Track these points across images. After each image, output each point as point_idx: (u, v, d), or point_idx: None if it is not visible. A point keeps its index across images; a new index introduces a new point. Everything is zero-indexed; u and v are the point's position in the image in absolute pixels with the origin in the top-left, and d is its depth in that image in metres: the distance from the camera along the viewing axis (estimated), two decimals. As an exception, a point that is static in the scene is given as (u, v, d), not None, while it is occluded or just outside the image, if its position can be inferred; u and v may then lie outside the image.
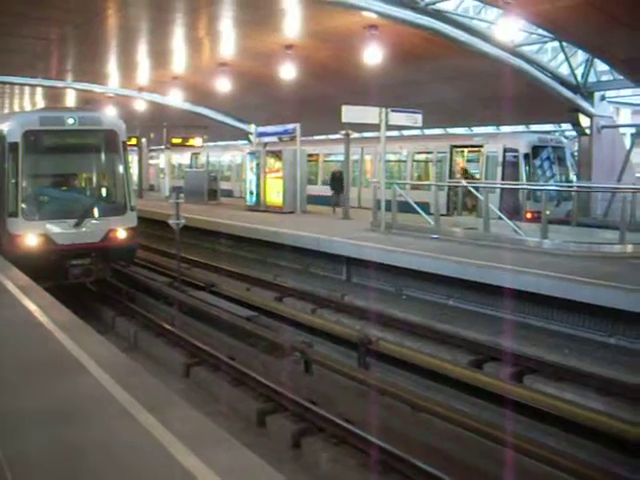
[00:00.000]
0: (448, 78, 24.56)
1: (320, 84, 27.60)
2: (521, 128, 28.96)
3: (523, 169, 23.67)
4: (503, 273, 13.37)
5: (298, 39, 23.54)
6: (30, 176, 15.51)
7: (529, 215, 21.13)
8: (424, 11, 19.41)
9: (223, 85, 27.87)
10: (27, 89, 36.92)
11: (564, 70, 23.19)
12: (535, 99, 22.63)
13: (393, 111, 20.00)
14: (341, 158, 27.80)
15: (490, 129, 29.60)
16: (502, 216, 17.96)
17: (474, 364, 11.39)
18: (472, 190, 21.06)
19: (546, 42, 22.95)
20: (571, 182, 24.65)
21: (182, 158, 44.75)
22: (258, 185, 27.15)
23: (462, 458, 7.92)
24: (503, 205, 21.14)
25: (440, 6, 19.76)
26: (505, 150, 24.17)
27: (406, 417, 9.32)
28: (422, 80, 25.01)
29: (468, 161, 26.37)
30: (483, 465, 7.76)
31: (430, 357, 11.45)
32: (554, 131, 30.14)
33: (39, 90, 37.08)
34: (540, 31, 21.00)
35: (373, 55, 21.13)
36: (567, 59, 22.87)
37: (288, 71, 24.57)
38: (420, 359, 11.38)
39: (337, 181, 25.59)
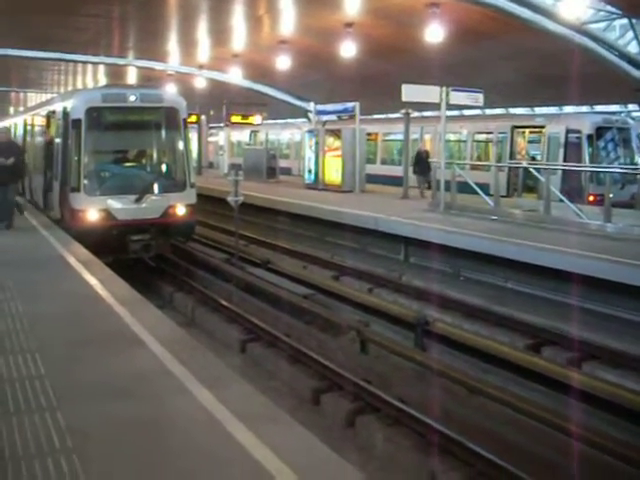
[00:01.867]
0: (509, 57, 24.10)
1: (380, 62, 27.36)
2: (585, 109, 28.36)
3: (586, 151, 23.16)
4: (563, 256, 13.11)
5: (358, 16, 23.31)
6: (92, 152, 15.74)
7: (592, 198, 20.71)
8: (487, -12, 19.06)
9: (283, 63, 27.80)
10: (89, 67, 37.35)
11: (633, 49, 22.52)
12: (600, 79, 22.04)
13: (454, 90, 19.73)
14: (400, 137, 27.61)
15: (552, 109, 29.04)
16: (563, 198, 17.61)
17: (532, 348, 11.25)
18: (533, 172, 20.70)
19: (614, 19, 22.28)
20: (636, 165, 24.05)
21: (241, 135, 44.93)
22: (317, 163, 27.09)
23: (517, 443, 7.83)
24: (565, 187, 20.73)
25: (503, -18, 19.35)
26: (568, 131, 23.67)
27: (462, 400, 9.25)
28: (483, 59, 24.61)
29: (529, 142, 25.93)
30: (539, 451, 7.66)
31: (487, 340, 11.35)
32: (620, 112, 29.44)
33: (101, 68, 37.51)
34: (608, 8, 20.44)
35: (434, 33, 20.82)
36: (636, 37, 22.16)
37: (348, 49, 24.38)
38: (477, 341, 11.28)
39: (422, 162, 23.75)
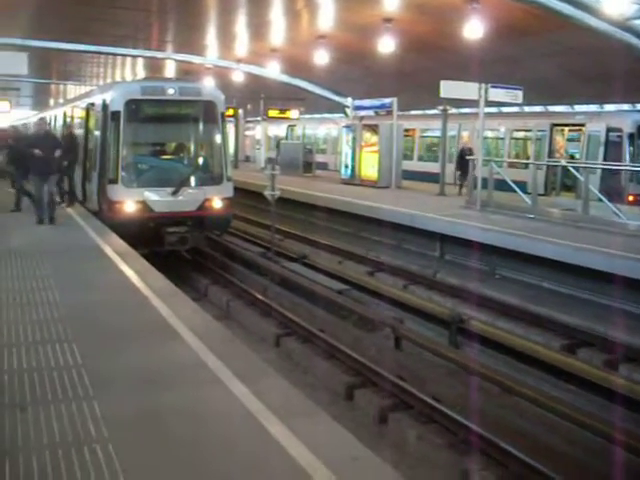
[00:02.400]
0: (550, 54, 23.84)
1: (418, 58, 27.25)
2: (626, 107, 27.94)
3: (627, 150, 22.82)
4: (602, 257, 12.96)
5: (397, 12, 23.23)
6: (130, 144, 15.86)
7: (631, 198, 20.42)
8: (528, -16, 18.88)
9: (321, 58, 27.78)
10: (128, 60, 37.66)
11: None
12: (644, 76, 21.74)
13: (493, 87, 19.59)
14: (438, 134, 27.46)
15: (593, 107, 28.66)
16: (602, 198, 17.39)
17: (567, 349, 11.14)
18: (572, 170, 20.46)
19: (660, 15, 21.92)
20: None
21: (278, 130, 45.00)
22: (353, 159, 27.05)
23: (551, 444, 7.77)
24: (604, 186, 20.46)
25: (545, -22, 19.15)
26: (608, 129, 23.34)
27: (495, 399, 9.19)
28: (523, 56, 24.38)
29: (568, 140, 25.65)
30: (573, 453, 7.60)
31: (522, 339, 11.26)
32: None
33: (140, 61, 37.80)
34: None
35: (474, 29, 20.66)
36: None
37: (387, 44, 24.30)
38: (511, 340, 11.20)
39: (465, 159, 22.07)
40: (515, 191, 18.95)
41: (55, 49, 31.31)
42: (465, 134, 29.51)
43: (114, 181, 15.28)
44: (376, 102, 27.67)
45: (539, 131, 26.41)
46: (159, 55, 34.16)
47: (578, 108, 29.34)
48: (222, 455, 4.74)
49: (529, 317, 12.57)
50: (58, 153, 15.09)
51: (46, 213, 14.93)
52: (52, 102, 53.35)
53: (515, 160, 26.75)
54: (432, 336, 11.94)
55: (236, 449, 4.81)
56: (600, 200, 17.34)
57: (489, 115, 23.01)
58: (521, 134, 28.00)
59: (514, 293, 14.10)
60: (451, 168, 25.59)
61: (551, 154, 25.52)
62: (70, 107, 22.92)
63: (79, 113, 20.02)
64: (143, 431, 5.07)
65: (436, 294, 14.59)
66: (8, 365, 6.37)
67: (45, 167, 14.83)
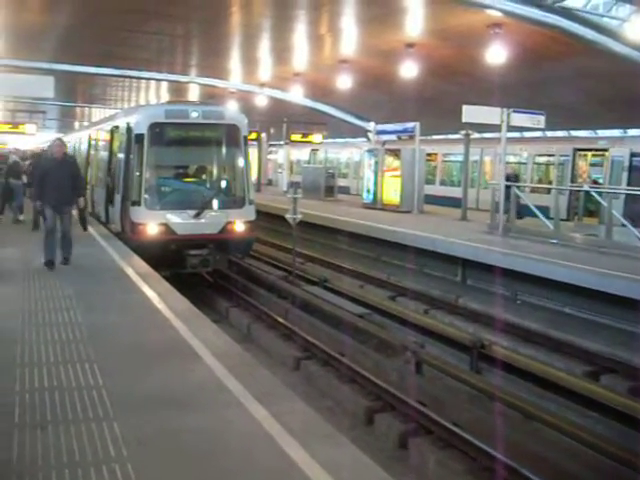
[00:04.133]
0: (572, 78, 23.81)
1: (440, 83, 27.31)
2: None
3: (651, 175, 22.70)
4: (625, 282, 12.83)
5: (419, 37, 23.33)
6: (154, 167, 15.98)
7: (656, 223, 20.25)
8: (551, 9, 18.83)
9: (343, 82, 27.90)
10: (152, 83, 38.00)
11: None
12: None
13: (515, 112, 19.60)
14: (460, 158, 27.45)
15: (616, 132, 28.56)
16: (626, 223, 17.27)
17: (590, 375, 11.03)
18: (595, 195, 20.35)
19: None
20: None
21: (300, 154, 45.18)
22: (375, 183, 27.08)
23: (574, 472, 7.67)
24: (628, 212, 20.31)
25: (567, 3, 19.12)
26: (632, 154, 23.25)
27: (517, 425, 9.10)
28: (544, 80, 24.35)
29: (591, 165, 25.56)
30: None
31: (544, 365, 11.16)
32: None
33: (164, 84, 38.13)
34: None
35: (496, 54, 20.70)
36: None
37: (409, 69, 24.38)
38: (533, 366, 11.08)
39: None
40: (537, 216, 18.88)
41: (81, 73, 31.67)
42: (487, 158, 29.50)
43: (137, 203, 15.39)
44: (399, 127, 27.72)
45: (562, 156, 26.35)
46: (183, 79, 34.44)
47: (601, 133, 29.26)
48: (242, 476, 4.73)
49: (551, 343, 12.47)
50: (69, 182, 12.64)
51: (55, 254, 12.58)
52: (77, 125, 53.91)
53: (537, 185, 26.67)
54: (453, 361, 11.86)
55: (256, 472, 4.80)
56: (623, 225, 17.23)
57: (511, 140, 22.99)
58: (543, 159, 27.96)
59: (536, 318, 13.99)
60: (473, 193, 25.57)
61: (574, 179, 25.43)
62: (95, 130, 23.17)
63: (104, 136, 20.23)
64: (162, 452, 5.07)
65: (457, 319, 14.52)
66: (29, 384, 6.41)
67: (60, 198, 12.58)
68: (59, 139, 14.11)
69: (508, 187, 20.25)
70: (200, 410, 5.85)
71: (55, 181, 12.47)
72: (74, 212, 14.20)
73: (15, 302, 9.68)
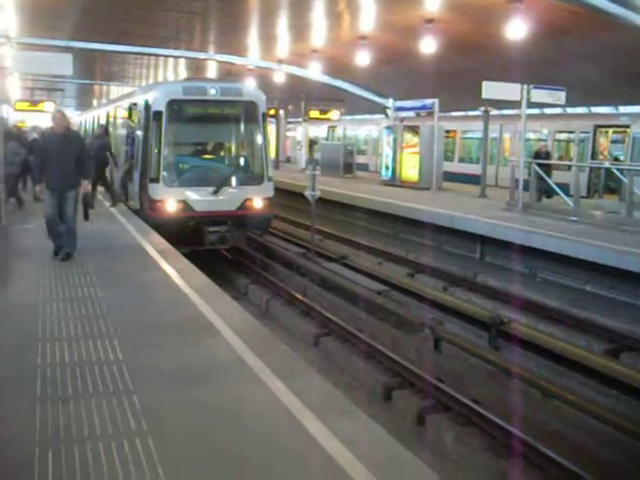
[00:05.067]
0: (593, 54, 23.51)
1: (460, 59, 27.05)
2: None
3: (674, 152, 22.47)
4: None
5: (439, 13, 23.08)
6: (172, 144, 16.00)
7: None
8: (574, -18, 18.61)
9: (362, 58, 27.70)
10: (171, 60, 37.91)
11: None
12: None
13: (535, 88, 19.42)
14: (479, 135, 27.27)
15: (638, 108, 28.23)
16: (647, 200, 17.14)
17: (610, 353, 10.98)
18: (616, 172, 20.17)
19: None
20: None
21: (319, 130, 45.01)
22: (394, 160, 26.98)
23: (592, 449, 7.66)
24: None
25: (592, -24, 18.85)
26: (654, 131, 23.02)
27: (536, 402, 9.09)
28: (566, 56, 24.07)
29: (612, 142, 25.31)
30: (615, 458, 7.48)
31: (563, 342, 11.12)
32: None
33: (182, 61, 38.04)
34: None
35: (516, 30, 20.42)
36: None
37: (428, 45, 24.15)
38: (553, 344, 11.05)
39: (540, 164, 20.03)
40: (558, 193, 18.76)
41: (99, 50, 31.67)
42: (507, 135, 29.27)
43: (155, 180, 15.42)
44: (417, 103, 27.56)
45: (582, 133, 26.11)
46: (201, 56, 34.34)
47: (622, 109, 28.94)
48: (261, 451, 4.75)
49: (571, 320, 12.41)
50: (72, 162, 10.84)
51: (63, 241, 11.11)
52: (95, 102, 54.00)
53: (558, 162, 26.46)
54: (472, 338, 11.85)
55: (275, 446, 4.82)
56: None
57: (531, 116, 22.79)
58: (564, 136, 27.71)
59: (555, 296, 13.93)
60: (493, 170, 25.34)
61: (594, 156, 25.20)
62: (113, 107, 23.20)
63: (122, 113, 20.25)
64: (182, 425, 5.11)
65: (476, 296, 14.48)
66: (51, 359, 6.47)
67: (61, 180, 10.90)
68: (59, 110, 12.25)
69: (539, 165, 19.76)
70: (219, 385, 5.89)
71: (55, 160, 10.79)
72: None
73: (35, 278, 9.76)
